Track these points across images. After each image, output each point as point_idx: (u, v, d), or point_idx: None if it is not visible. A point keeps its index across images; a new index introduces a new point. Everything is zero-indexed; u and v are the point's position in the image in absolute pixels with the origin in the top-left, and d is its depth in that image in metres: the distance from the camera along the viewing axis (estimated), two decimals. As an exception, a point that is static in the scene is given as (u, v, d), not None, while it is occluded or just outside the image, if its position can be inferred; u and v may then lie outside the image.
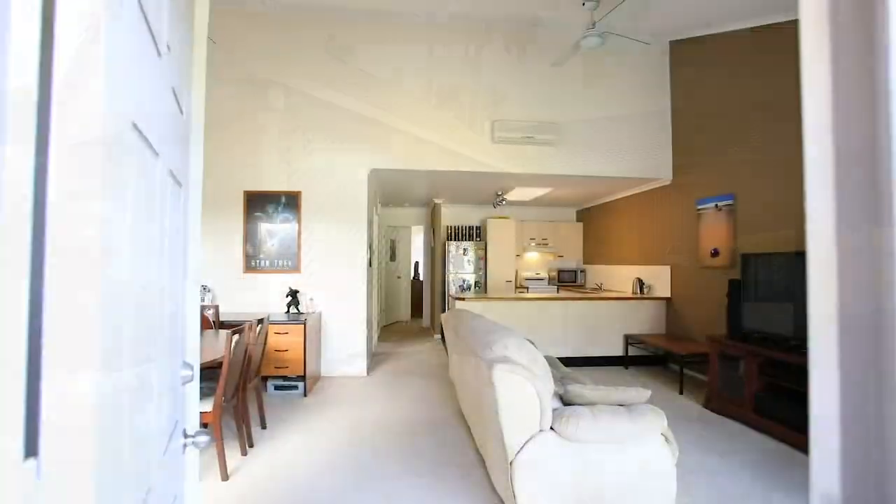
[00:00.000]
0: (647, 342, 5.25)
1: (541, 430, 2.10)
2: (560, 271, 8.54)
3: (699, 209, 5.10)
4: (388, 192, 7.27)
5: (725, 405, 3.90)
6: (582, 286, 8.39)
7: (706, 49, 5.14)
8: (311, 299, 5.10)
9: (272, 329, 4.31)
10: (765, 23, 4.35)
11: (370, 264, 5.72)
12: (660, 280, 5.93)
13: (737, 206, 4.60)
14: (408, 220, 9.27)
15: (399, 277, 9.96)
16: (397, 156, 5.23)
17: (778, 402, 3.44)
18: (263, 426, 3.44)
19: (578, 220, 9.00)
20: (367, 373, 5.25)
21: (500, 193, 7.13)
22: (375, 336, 7.13)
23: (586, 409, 2.15)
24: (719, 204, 4.80)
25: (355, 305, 5.21)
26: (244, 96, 5.09)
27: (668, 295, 5.74)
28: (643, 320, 5.79)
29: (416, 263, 11.26)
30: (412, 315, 10.33)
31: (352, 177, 5.22)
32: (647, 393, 2.20)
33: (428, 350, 6.68)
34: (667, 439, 2.24)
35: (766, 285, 3.75)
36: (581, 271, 8.53)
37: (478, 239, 8.53)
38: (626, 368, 5.60)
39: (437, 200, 7.93)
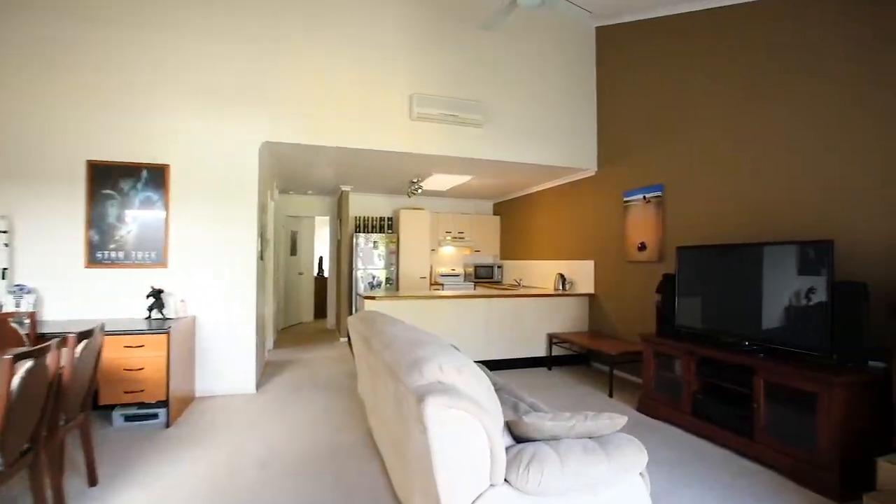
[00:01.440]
0: (572, 341, 4.95)
1: (492, 485, 1.50)
2: (477, 267, 8.14)
3: (626, 201, 4.89)
4: (288, 175, 6.28)
5: (660, 408, 3.64)
6: (499, 282, 8.06)
7: (633, 35, 4.94)
8: (183, 301, 4.05)
9: (121, 342, 3.25)
10: (696, 8, 4.19)
11: (262, 257, 4.78)
12: (582, 275, 5.70)
13: (666, 198, 4.42)
14: (311, 210, 8.29)
15: (301, 274, 8.93)
16: (298, 128, 4.35)
17: (717, 404, 3.21)
18: (92, 482, 2.45)
19: (496, 213, 8.67)
20: (257, 388, 4.33)
21: (415, 181, 6.49)
22: (270, 341, 6.14)
23: (548, 447, 1.59)
24: (647, 196, 4.61)
25: (242, 307, 4.25)
26: (87, 32, 3.88)
27: (592, 291, 5.52)
28: (566, 318, 5.51)
29: (321, 258, 10.25)
30: (315, 315, 9.34)
31: (239, 150, 4.25)
32: (622, 420, 1.70)
33: (333, 356, 5.85)
34: (641, 474, 1.76)
35: (703, 280, 3.54)
36: (498, 267, 8.20)
37: (389, 231, 7.81)
38: (550, 370, 5.27)
39: (344, 188, 7.09)
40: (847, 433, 2.53)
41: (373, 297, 4.71)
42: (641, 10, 4.75)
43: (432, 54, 4.80)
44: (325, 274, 9.94)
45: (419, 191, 6.65)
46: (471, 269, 8.22)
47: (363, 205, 7.92)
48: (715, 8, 3.98)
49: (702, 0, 4.06)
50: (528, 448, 1.59)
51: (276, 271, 6.96)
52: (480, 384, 1.59)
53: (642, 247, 4.65)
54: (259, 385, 4.44)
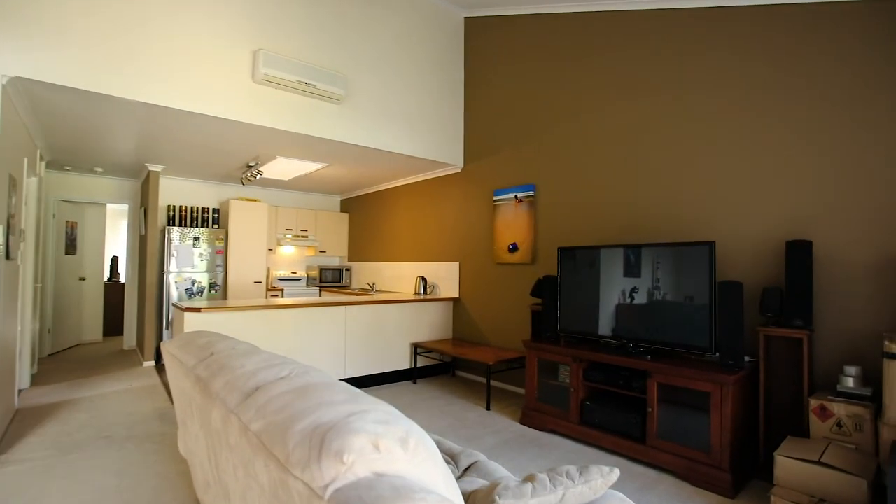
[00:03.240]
0: (440, 350, 4.51)
1: None
2: (322, 269, 7.20)
3: (496, 200, 4.66)
4: (63, 142, 4.53)
5: (546, 419, 3.40)
6: (347, 286, 7.27)
7: (501, 29, 4.76)
8: None
9: None
10: (561, 10, 4.16)
11: (8, 255, 3.20)
12: (446, 279, 5.33)
13: (538, 198, 4.29)
14: (101, 194, 6.30)
15: (83, 279, 6.78)
16: (77, 64, 2.99)
17: (608, 410, 3.07)
18: None
19: (344, 209, 7.85)
20: (-5, 455, 2.82)
21: (253, 164, 5.34)
22: (25, 377, 4.33)
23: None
24: (519, 195, 4.43)
25: (-34, 332, 2.72)
26: None
27: (457, 295, 5.18)
28: (430, 325, 5.07)
29: (116, 258, 8.02)
30: (106, 332, 7.21)
31: (-36, 87, 2.72)
32: (615, 474, 1.23)
33: (134, 389, 4.36)
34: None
35: (587, 282, 3.41)
36: (346, 269, 7.40)
37: (215, 226, 6.39)
38: (416, 383, 4.74)
39: (153, 167, 5.49)
40: (736, 430, 2.56)
41: (196, 310, 3.53)
42: (510, 4, 4.59)
43: (286, 4, 3.87)
44: (123, 279, 7.79)
45: (257, 177, 5.50)
46: (315, 272, 7.25)
47: (180, 191, 6.33)
48: (584, 13, 3.98)
49: (569, 3, 4.02)
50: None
51: (40, 276, 5.02)
52: (436, 461, 0.95)
53: (513, 248, 4.46)
54: None
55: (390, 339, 4.71)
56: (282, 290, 6.72)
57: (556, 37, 4.21)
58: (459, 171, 5.20)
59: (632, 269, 3.16)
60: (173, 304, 4.00)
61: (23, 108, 3.35)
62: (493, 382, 4.68)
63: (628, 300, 3.17)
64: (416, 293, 5.54)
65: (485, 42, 4.96)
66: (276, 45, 3.80)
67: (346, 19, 4.24)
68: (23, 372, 4.26)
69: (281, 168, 5.50)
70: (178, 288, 5.62)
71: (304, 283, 7.24)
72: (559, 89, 4.14)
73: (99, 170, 5.79)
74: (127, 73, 3.14)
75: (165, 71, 3.29)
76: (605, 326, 3.29)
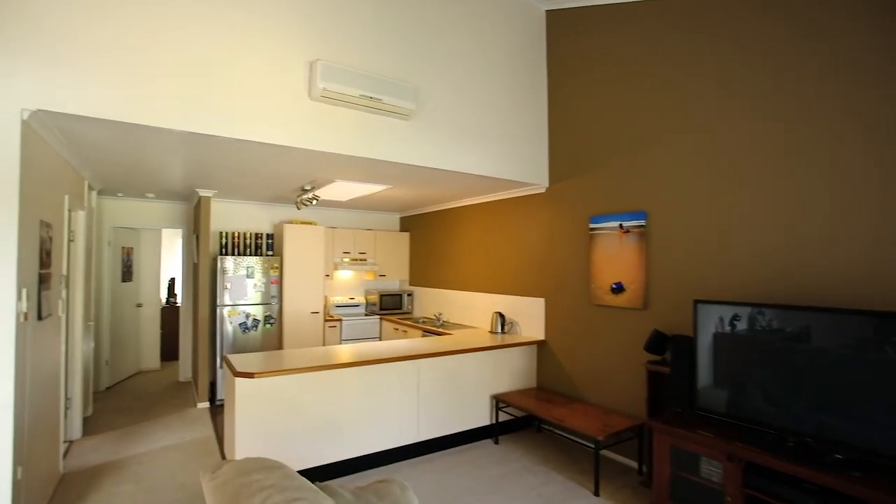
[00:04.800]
0: (525, 408, 3.78)
1: None
2: (382, 295, 6.64)
3: (593, 228, 3.87)
4: (109, 172, 4.18)
5: (685, 531, 2.60)
6: (409, 314, 6.66)
7: (593, 25, 3.96)
8: None
9: None
10: (684, -8, 3.31)
11: (40, 316, 2.77)
12: (528, 316, 4.58)
13: (651, 230, 3.46)
14: (154, 219, 6.03)
15: (140, 305, 6.59)
16: (108, 90, 2.49)
17: (784, 538, 2.23)
18: None
19: (403, 228, 7.27)
20: (22, 560, 2.37)
21: (308, 188, 4.82)
22: (76, 423, 3.99)
23: None
24: (625, 224, 3.62)
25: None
26: None
27: (542, 337, 4.42)
28: (512, 372, 4.34)
29: (173, 281, 7.85)
30: (164, 357, 7.01)
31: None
32: None
33: (186, 444, 3.92)
34: None
35: (745, 350, 2.57)
36: (408, 295, 6.80)
37: (269, 253, 5.96)
38: (497, 443, 4.03)
39: (203, 192, 5.11)
40: None
41: (249, 375, 2.98)
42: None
43: (345, 7, 3.28)
44: (179, 302, 7.58)
45: (314, 202, 4.98)
46: (374, 298, 6.69)
47: (232, 216, 5.94)
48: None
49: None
50: None
51: (93, 310, 4.73)
52: None
53: (618, 288, 3.65)
54: (29, 548, 2.48)
55: (467, 392, 4.03)
56: (339, 319, 6.21)
57: (664, 30, 3.36)
58: (544, 191, 4.44)
59: (814, 341, 2.30)
60: (224, 358, 3.49)
61: (56, 143, 2.93)
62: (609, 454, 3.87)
63: (808, 383, 2.31)
64: (492, 330, 4.83)
65: (571, 40, 4.18)
66: (334, 54, 3.20)
67: (412, 18, 3.60)
68: (73, 425, 3.93)
69: (339, 190, 4.95)
70: (231, 322, 5.20)
71: (362, 309, 6.71)
72: (675, 94, 3.30)
73: (150, 195, 5.49)
74: (165, 100, 2.63)
75: (210, 96, 2.76)
76: (770, 413, 2.44)
